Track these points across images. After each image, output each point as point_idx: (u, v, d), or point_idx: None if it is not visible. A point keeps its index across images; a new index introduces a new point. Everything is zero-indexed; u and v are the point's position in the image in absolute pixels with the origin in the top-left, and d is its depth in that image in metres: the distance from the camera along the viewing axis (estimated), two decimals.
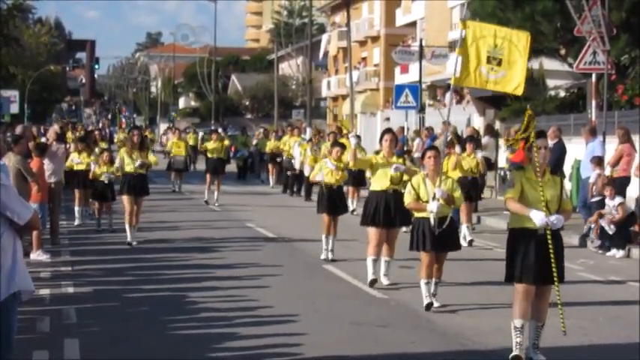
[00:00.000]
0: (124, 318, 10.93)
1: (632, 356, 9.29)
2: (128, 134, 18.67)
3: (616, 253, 16.29)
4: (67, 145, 21.89)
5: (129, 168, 17.04)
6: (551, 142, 21.43)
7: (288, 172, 30.04)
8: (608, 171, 18.41)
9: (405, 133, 30.98)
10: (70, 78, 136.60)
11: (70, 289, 12.65)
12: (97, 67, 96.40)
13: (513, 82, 10.73)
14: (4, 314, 5.93)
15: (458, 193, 11.50)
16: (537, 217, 8.49)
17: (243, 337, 9.77)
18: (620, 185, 17.85)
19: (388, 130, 13.57)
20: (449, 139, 18.47)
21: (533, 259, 8.63)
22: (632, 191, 18.35)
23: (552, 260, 8.58)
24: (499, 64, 10.67)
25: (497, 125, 29.75)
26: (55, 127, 21.17)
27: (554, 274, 8.61)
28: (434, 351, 9.38)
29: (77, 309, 11.20)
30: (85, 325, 10.45)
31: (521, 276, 8.69)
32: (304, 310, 11.28)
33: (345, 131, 31.37)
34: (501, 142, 25.92)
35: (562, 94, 31.10)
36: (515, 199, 8.70)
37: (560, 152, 19.97)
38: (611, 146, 19.37)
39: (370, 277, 12.82)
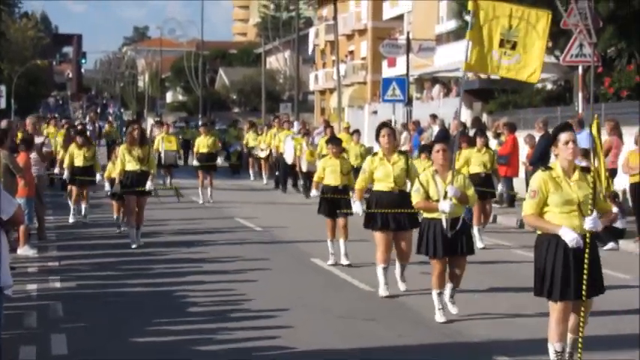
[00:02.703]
0: (112, 313, 10.92)
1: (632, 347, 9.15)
2: (126, 129, 17.42)
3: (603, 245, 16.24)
4: (46, 139, 21.67)
5: (130, 166, 16.25)
6: (537, 135, 21.61)
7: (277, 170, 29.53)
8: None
9: (393, 126, 30.92)
10: (57, 72, 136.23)
11: (57, 284, 12.63)
12: (83, 61, 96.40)
13: (528, 69, 9.87)
14: None
15: (471, 191, 10.54)
16: (569, 237, 7.50)
17: (230, 331, 9.76)
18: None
19: (385, 125, 12.08)
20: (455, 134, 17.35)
21: (572, 271, 7.57)
22: (619, 184, 18.37)
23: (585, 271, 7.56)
24: (513, 47, 9.78)
25: (485, 118, 29.76)
26: (31, 119, 21.17)
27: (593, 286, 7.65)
28: (421, 344, 9.39)
29: (64, 304, 11.18)
30: (72, 320, 10.42)
31: (560, 292, 7.58)
32: (292, 304, 11.27)
33: (346, 126, 30.99)
34: (489, 134, 25.92)
35: (549, 86, 31.15)
36: (537, 214, 7.68)
37: (546, 144, 19.98)
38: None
39: (383, 291, 11.64)
